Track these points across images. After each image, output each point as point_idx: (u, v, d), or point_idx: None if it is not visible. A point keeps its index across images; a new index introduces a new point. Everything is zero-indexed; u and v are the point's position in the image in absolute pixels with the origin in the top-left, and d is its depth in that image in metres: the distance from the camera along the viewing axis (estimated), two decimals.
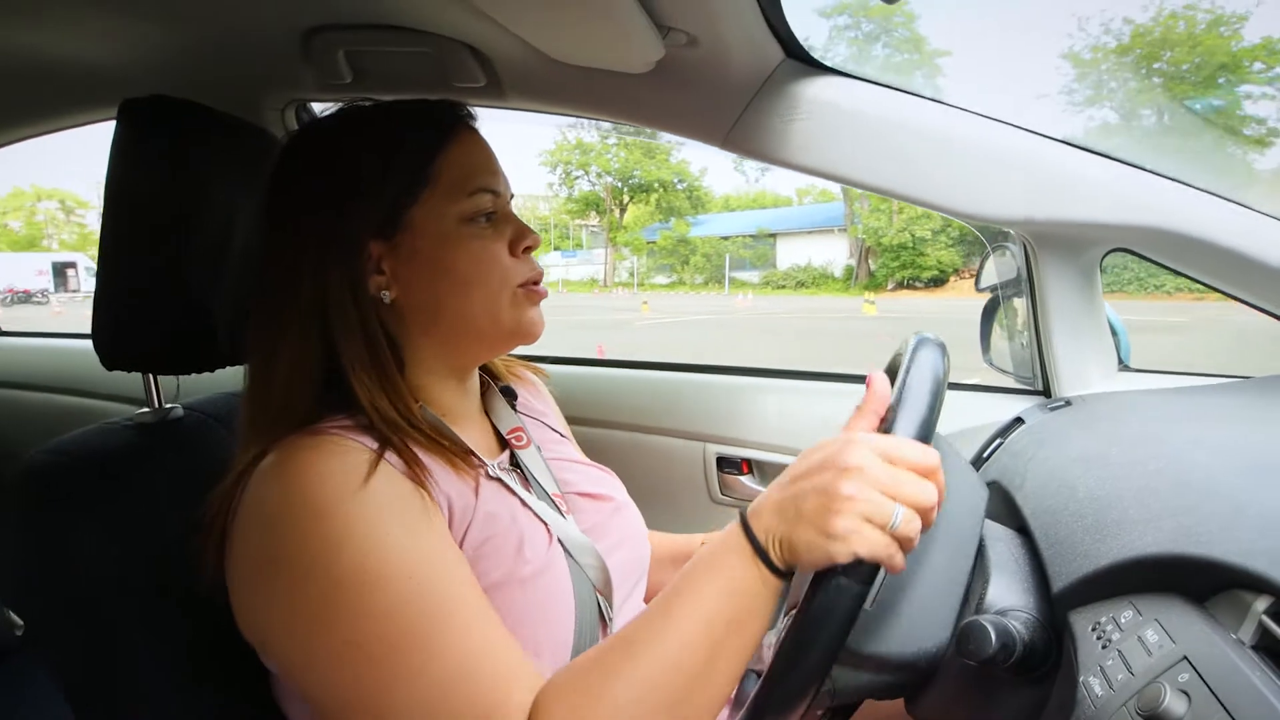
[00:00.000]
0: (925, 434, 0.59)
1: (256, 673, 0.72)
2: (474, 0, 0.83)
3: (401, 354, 0.77)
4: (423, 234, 0.74)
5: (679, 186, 33.79)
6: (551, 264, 34.89)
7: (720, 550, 0.61)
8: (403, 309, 0.76)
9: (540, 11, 0.86)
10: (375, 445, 0.67)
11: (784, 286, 28.79)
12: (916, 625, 0.68)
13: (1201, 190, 1.03)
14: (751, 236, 31.73)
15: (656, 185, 33.23)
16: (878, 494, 0.56)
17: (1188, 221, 1.01)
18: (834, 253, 28.78)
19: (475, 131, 0.81)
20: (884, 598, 0.66)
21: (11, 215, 38.77)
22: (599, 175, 34.08)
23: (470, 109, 0.82)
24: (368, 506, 0.62)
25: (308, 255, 0.72)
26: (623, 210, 34.43)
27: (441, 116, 0.79)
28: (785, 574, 0.60)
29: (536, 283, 0.80)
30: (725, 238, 32.32)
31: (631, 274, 34.15)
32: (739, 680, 0.61)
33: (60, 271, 30.26)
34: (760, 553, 0.59)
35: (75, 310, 22.07)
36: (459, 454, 0.74)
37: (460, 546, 0.68)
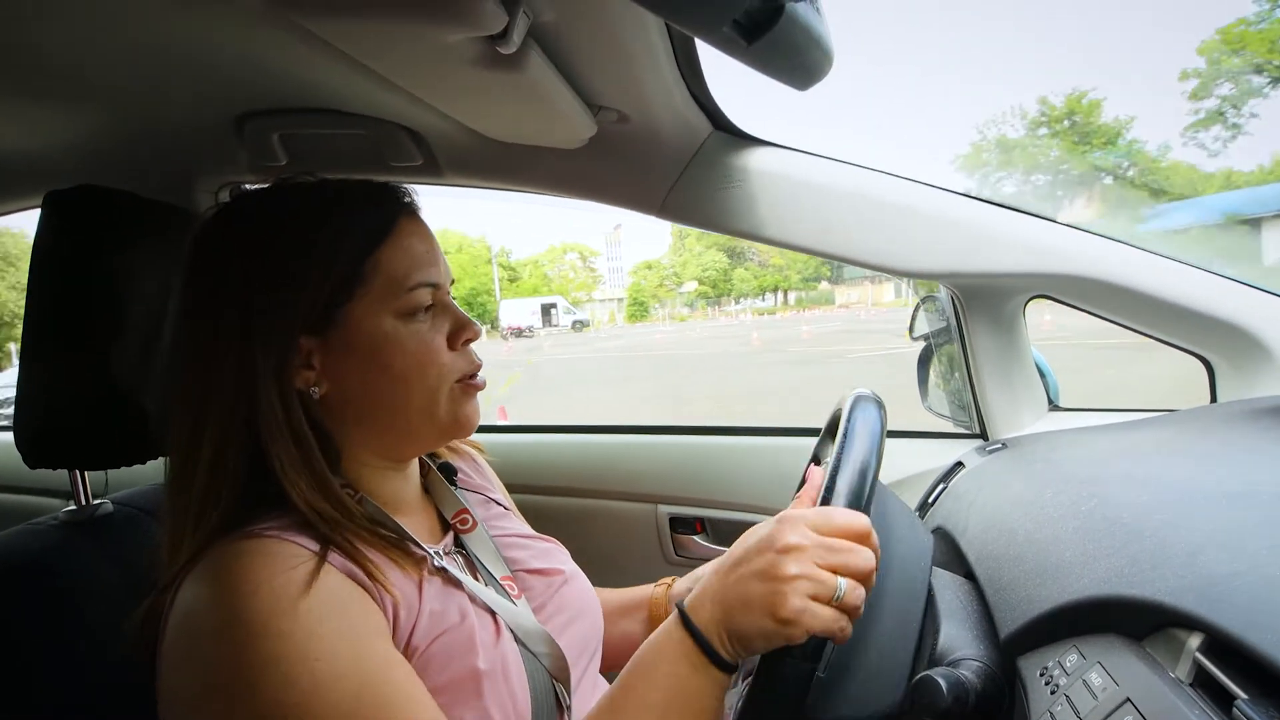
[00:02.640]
0: (859, 500, 0.61)
1: None
2: (408, 87, 0.85)
3: (335, 447, 0.73)
4: (357, 331, 0.71)
5: (1127, 173, 27.37)
6: None
7: (662, 654, 0.61)
8: (334, 404, 0.72)
9: (474, 97, 0.88)
10: (316, 546, 0.64)
11: None
12: (871, 683, 0.68)
13: (1108, 238, 1.10)
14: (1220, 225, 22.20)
15: (1102, 176, 27.32)
16: (819, 570, 0.57)
17: (1100, 268, 1.08)
18: None
19: (415, 218, 0.77)
20: (836, 660, 0.66)
21: (549, 266, 51.36)
22: (1027, 174, 29.12)
23: (411, 193, 0.80)
24: (306, 619, 0.59)
25: (230, 348, 0.67)
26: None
27: (380, 204, 0.75)
28: (732, 667, 0.60)
29: (474, 375, 0.77)
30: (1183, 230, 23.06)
31: None
32: None
33: (546, 311, 38.35)
34: (707, 650, 0.60)
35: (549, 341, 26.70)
36: (401, 547, 0.71)
37: (407, 647, 0.65)
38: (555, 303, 38.86)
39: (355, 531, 0.68)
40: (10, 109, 0.96)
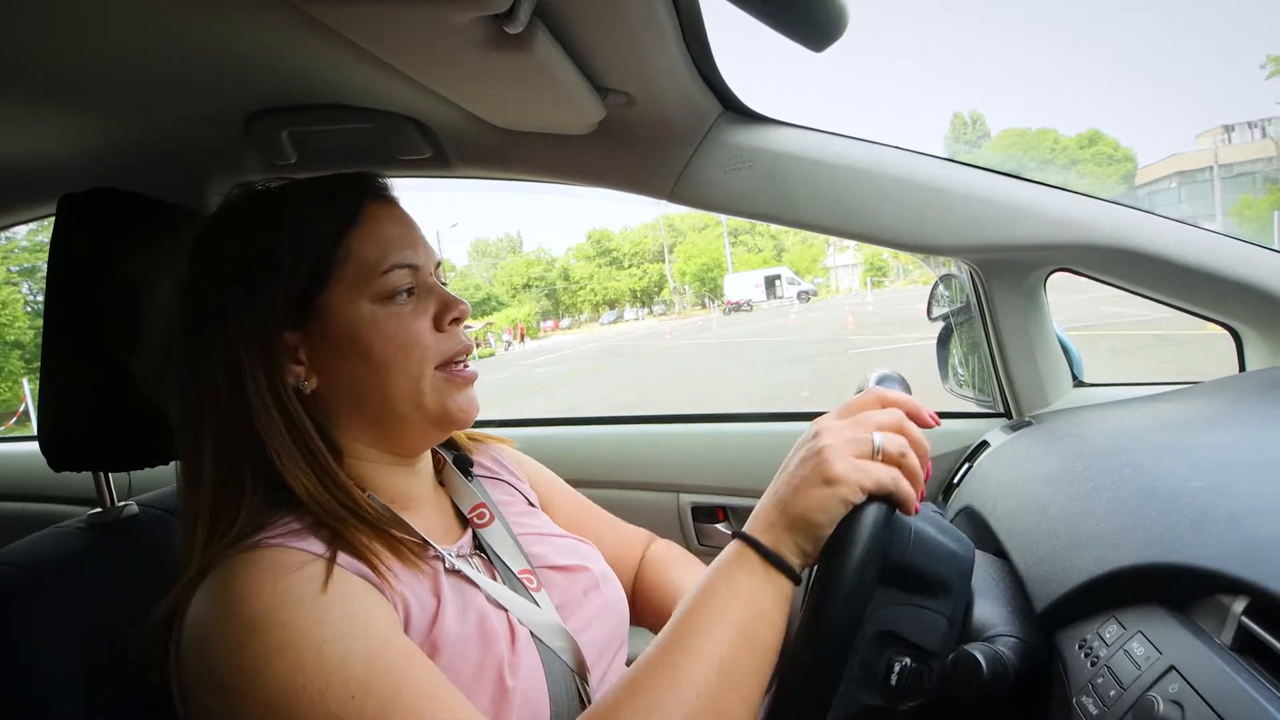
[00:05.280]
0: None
1: None
2: (415, 76, 0.85)
3: (336, 444, 0.73)
4: (336, 319, 0.71)
5: None
6: None
7: (723, 576, 0.61)
8: (326, 398, 0.73)
9: (481, 83, 0.87)
10: (324, 549, 0.64)
11: None
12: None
13: (1128, 206, 1.07)
14: None
15: None
16: (852, 431, 0.61)
17: (1122, 238, 1.06)
18: None
19: (389, 203, 0.78)
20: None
21: (784, 236, 46.37)
22: None
23: (383, 179, 0.80)
24: (313, 608, 0.59)
25: (220, 348, 0.68)
26: None
27: (348, 192, 0.75)
28: (796, 577, 0.61)
29: (461, 359, 0.76)
30: None
31: None
32: (759, 696, 0.60)
33: (770, 283, 36.54)
34: (770, 557, 0.61)
35: (764, 320, 24.55)
36: (412, 548, 0.70)
37: (421, 645, 0.64)
38: (779, 274, 37.47)
39: (364, 529, 0.67)
40: (21, 114, 0.97)
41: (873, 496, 0.59)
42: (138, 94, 0.94)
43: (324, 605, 0.59)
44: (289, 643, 0.57)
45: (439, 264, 0.80)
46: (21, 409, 15.21)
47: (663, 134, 1.10)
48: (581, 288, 48.05)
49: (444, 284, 0.79)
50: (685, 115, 1.07)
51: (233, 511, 0.66)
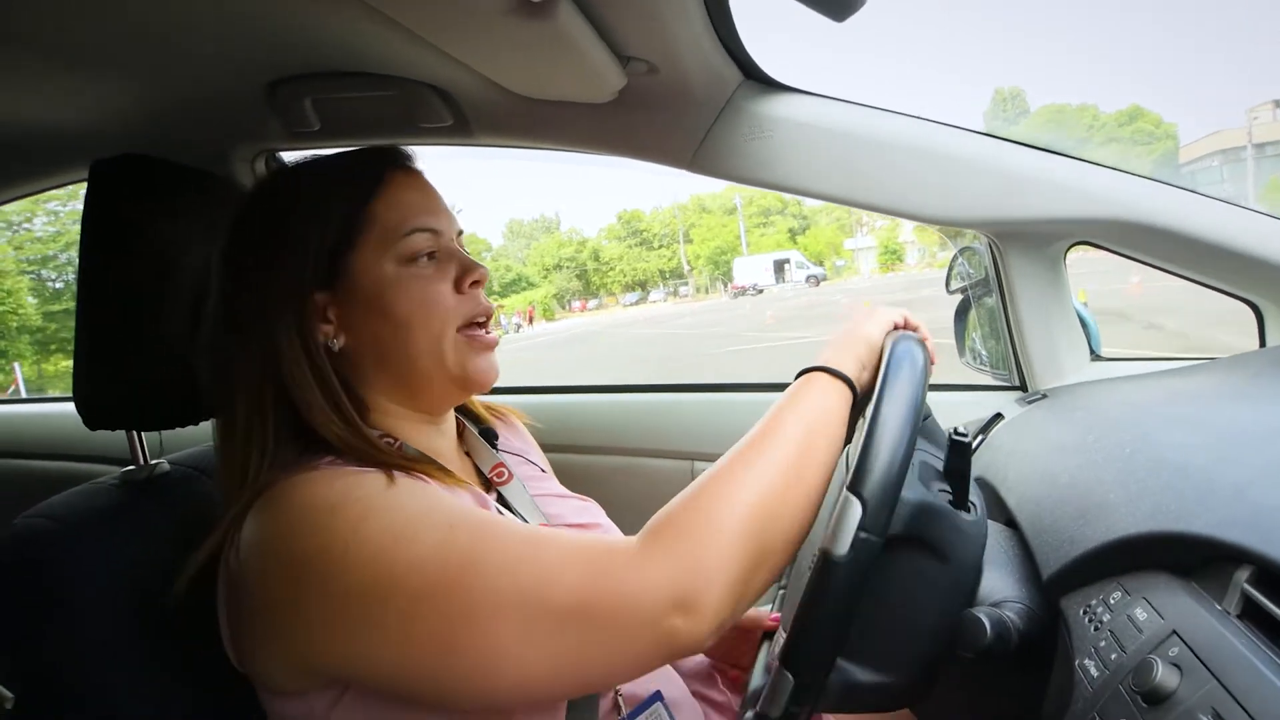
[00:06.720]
0: (901, 434, 0.60)
1: None
2: (437, 42, 0.85)
3: (362, 400, 0.77)
4: (362, 279, 0.75)
5: None
6: None
7: (795, 395, 0.70)
8: (354, 356, 0.77)
9: (503, 50, 0.88)
10: (377, 471, 0.67)
11: None
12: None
13: (1150, 179, 1.06)
14: None
15: None
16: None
17: (1143, 211, 1.05)
18: None
19: (412, 173, 0.82)
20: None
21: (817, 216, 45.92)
22: None
23: (406, 151, 0.84)
24: (383, 489, 0.63)
25: (253, 309, 0.73)
26: None
27: (372, 162, 0.80)
28: (854, 388, 0.71)
29: (483, 322, 0.80)
30: None
31: None
32: (821, 496, 0.66)
33: (779, 267, 35.79)
34: (835, 373, 0.71)
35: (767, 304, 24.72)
36: (450, 482, 0.74)
37: None
38: (789, 258, 37.11)
39: (403, 463, 0.71)
40: (49, 81, 0.98)
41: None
42: (163, 61, 0.95)
43: (395, 489, 0.64)
44: (372, 510, 0.60)
45: (460, 233, 0.84)
46: (10, 390, 15.49)
47: (683, 102, 1.09)
48: (611, 268, 47.92)
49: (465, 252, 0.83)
50: (706, 83, 1.07)
51: (271, 455, 0.70)
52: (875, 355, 0.73)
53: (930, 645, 0.63)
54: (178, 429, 0.91)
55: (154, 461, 0.92)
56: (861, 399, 0.72)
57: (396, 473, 0.67)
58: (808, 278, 34.73)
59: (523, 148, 1.23)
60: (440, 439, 0.84)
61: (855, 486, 0.57)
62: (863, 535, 0.55)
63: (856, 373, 0.71)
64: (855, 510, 0.56)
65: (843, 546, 0.55)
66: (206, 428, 0.91)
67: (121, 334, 0.87)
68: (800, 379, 0.72)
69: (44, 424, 1.97)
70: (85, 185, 0.89)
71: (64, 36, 0.86)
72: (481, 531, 0.60)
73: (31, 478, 1.88)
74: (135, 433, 0.92)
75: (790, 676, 0.56)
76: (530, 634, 0.56)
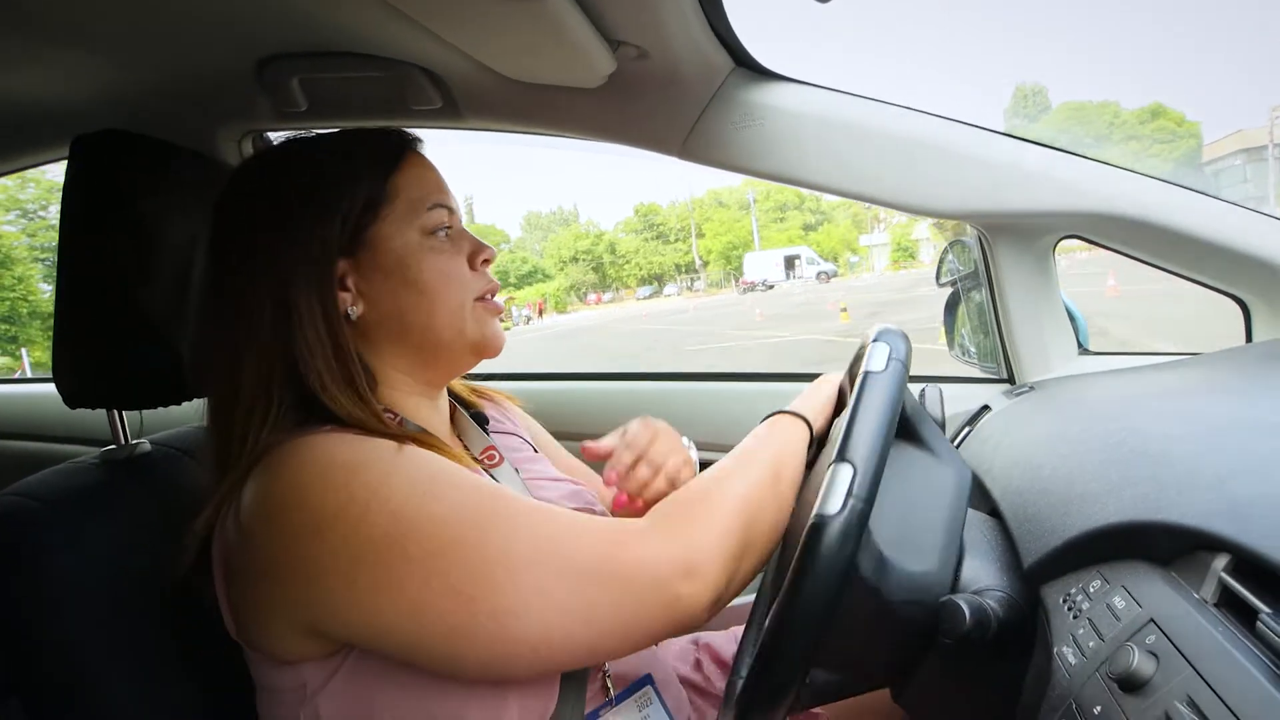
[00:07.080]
0: (878, 438, 0.61)
1: (248, 708, 0.71)
2: (427, 24, 0.84)
3: (373, 372, 0.77)
4: (386, 249, 0.76)
5: None
6: None
7: (770, 428, 0.79)
8: (369, 325, 0.77)
9: (493, 33, 0.87)
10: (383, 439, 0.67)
11: None
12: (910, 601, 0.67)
13: (1140, 174, 1.06)
14: None
15: None
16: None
17: (1132, 206, 1.05)
18: None
19: (421, 154, 0.83)
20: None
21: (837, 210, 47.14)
22: None
23: (418, 135, 0.85)
24: (400, 458, 0.63)
25: (267, 279, 0.71)
26: None
27: (391, 139, 0.81)
28: (811, 427, 0.80)
29: (494, 295, 0.83)
30: None
31: None
32: (790, 509, 0.74)
33: (789, 263, 36.73)
34: (797, 414, 0.80)
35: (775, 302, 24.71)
36: (450, 452, 0.73)
37: None
38: (799, 254, 37.70)
39: (406, 437, 0.70)
40: (34, 56, 0.97)
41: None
42: (150, 36, 0.94)
43: (409, 454, 0.64)
44: (395, 469, 0.61)
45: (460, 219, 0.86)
46: (17, 374, 15.47)
47: (674, 89, 1.09)
48: (627, 262, 47.90)
49: None
50: (697, 70, 1.06)
51: (262, 432, 0.69)
52: (832, 404, 0.85)
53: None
54: (159, 410, 0.90)
55: (135, 441, 0.91)
56: (818, 437, 0.81)
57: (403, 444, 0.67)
58: (818, 274, 34.83)
59: (513, 132, 1.22)
60: (436, 416, 0.84)
61: (844, 455, 0.59)
62: (852, 499, 0.56)
63: (814, 417, 0.81)
64: (846, 472, 0.57)
65: (834, 506, 0.56)
66: (188, 410, 0.91)
67: (102, 312, 0.86)
68: (768, 420, 0.81)
69: (25, 404, 1.95)
70: None
71: (48, 10, 0.85)
72: (499, 493, 0.64)
73: (9, 457, 1.86)
74: (116, 412, 0.91)
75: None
76: (551, 590, 0.59)
